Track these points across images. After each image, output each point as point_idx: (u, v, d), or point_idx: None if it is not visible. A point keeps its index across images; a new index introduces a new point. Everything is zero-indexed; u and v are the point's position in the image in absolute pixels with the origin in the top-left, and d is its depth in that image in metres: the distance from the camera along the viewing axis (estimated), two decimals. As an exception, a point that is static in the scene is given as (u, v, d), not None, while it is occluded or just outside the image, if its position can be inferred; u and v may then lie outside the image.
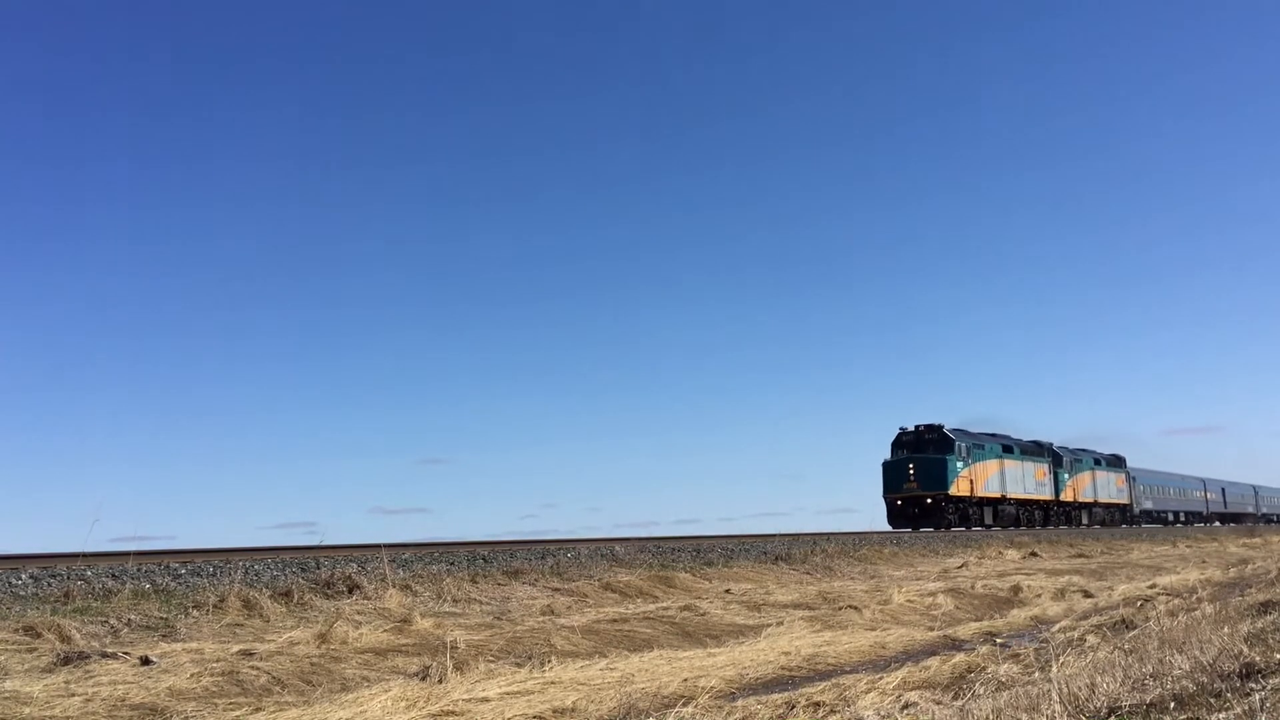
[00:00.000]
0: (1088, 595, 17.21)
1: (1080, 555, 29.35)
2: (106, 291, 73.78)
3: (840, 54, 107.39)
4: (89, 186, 74.73)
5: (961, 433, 40.20)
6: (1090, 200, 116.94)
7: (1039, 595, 17.00)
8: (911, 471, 38.79)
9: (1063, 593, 17.35)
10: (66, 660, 8.14)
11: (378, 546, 17.03)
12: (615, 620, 12.05)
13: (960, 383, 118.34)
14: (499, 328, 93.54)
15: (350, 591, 12.52)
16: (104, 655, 8.27)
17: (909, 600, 15.09)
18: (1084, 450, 52.77)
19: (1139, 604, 14.82)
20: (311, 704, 7.16)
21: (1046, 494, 46.02)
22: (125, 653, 8.38)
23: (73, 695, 7.09)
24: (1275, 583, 16.64)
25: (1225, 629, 8.51)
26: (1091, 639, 10.55)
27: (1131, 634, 10.30)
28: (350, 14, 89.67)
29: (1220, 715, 4.98)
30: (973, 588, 17.42)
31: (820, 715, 7.18)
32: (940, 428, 39.03)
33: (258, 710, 7.04)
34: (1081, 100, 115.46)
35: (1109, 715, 5.43)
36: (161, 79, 79.92)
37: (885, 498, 39.71)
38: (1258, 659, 6.24)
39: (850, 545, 24.14)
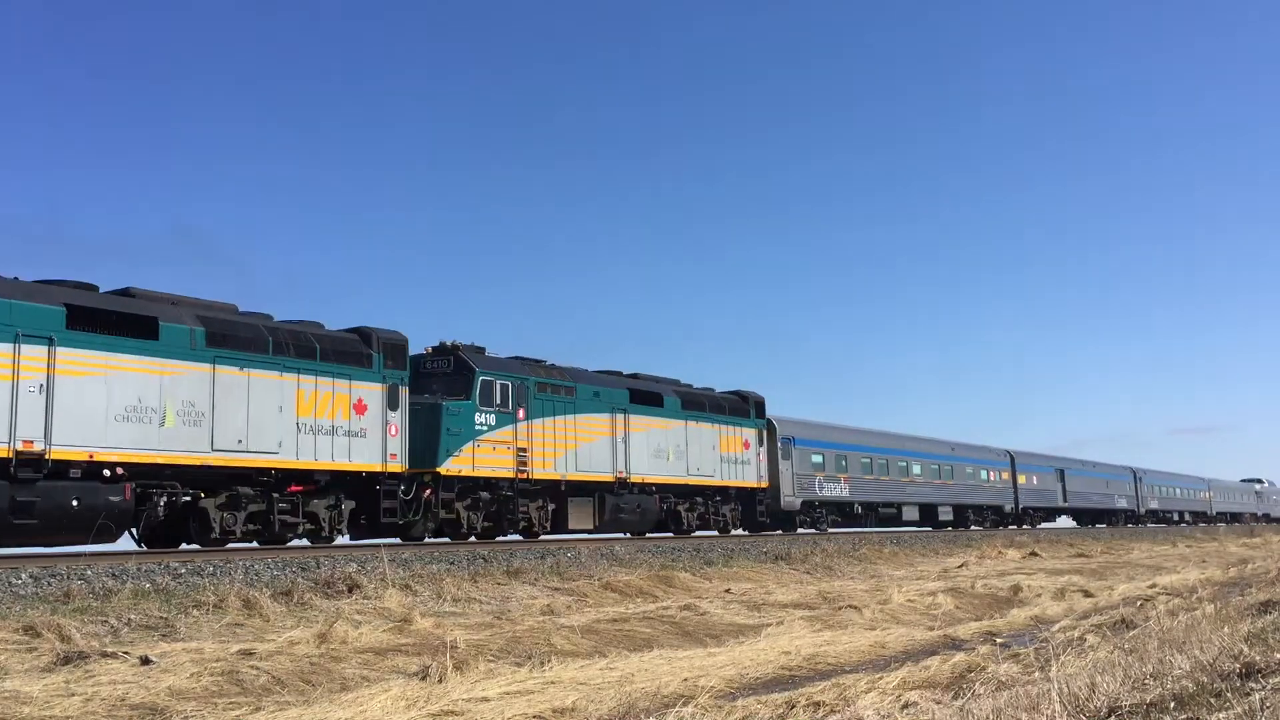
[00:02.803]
0: (1088, 595, 17.20)
1: (1080, 555, 29.34)
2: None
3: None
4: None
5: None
6: (1092, 201, 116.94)
7: (1039, 595, 16.99)
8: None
9: (1063, 592, 17.34)
10: (66, 660, 8.13)
11: (378, 546, 17.04)
12: (615, 620, 12.04)
13: (961, 384, 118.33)
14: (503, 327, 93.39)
15: (350, 591, 12.52)
16: (104, 655, 8.26)
17: (909, 600, 15.08)
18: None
19: (1139, 603, 14.80)
20: (311, 704, 7.16)
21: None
22: (125, 652, 8.37)
23: (73, 695, 7.09)
24: (1275, 582, 16.62)
25: (1225, 629, 8.50)
26: (1091, 639, 10.54)
27: (1131, 634, 10.29)
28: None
29: (1220, 715, 4.97)
30: (973, 587, 17.41)
31: (820, 715, 7.17)
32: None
33: (258, 710, 7.03)
34: (1085, 102, 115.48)
35: (1109, 715, 5.43)
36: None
37: None
38: (1258, 659, 6.23)
39: (850, 545, 24.15)
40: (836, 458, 33.99)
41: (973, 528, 40.46)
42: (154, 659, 8.16)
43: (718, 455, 27.73)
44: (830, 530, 31.92)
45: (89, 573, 11.63)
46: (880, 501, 36.23)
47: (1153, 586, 18.29)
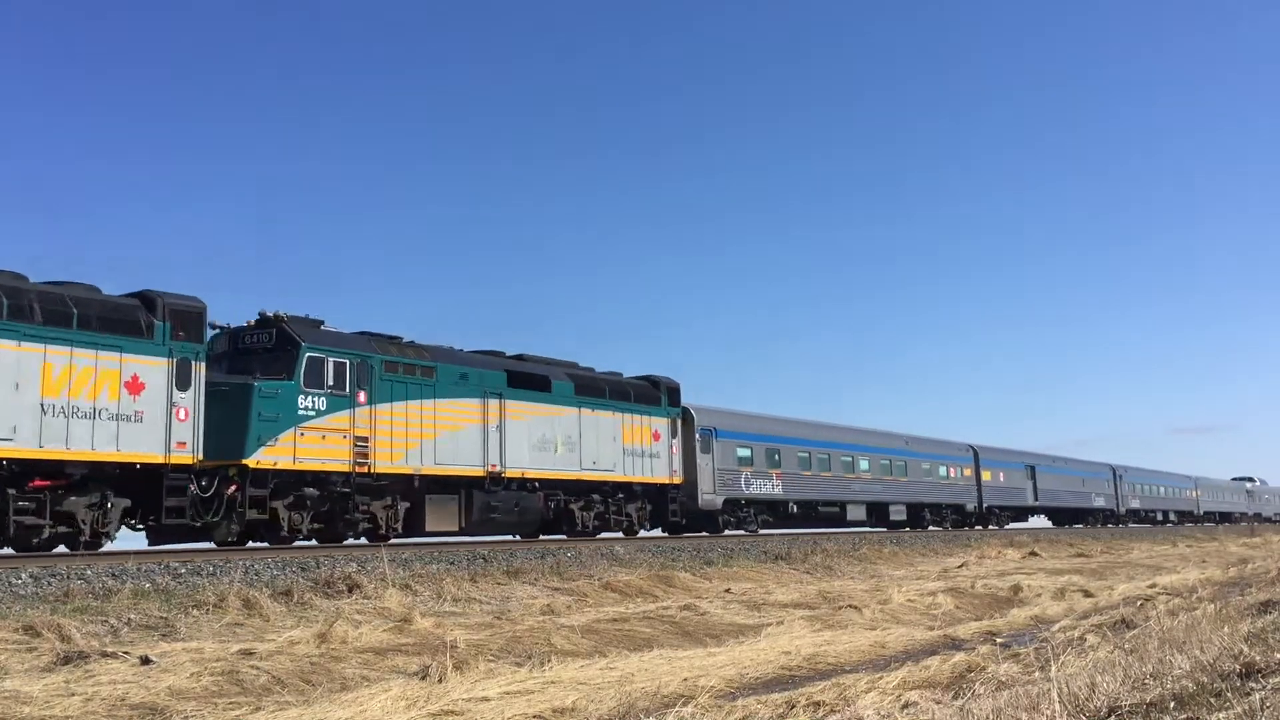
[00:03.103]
0: (1088, 595, 17.20)
1: (1080, 555, 29.36)
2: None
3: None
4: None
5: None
6: (1091, 200, 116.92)
7: (1039, 595, 16.99)
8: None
9: (1063, 592, 17.34)
10: (66, 660, 8.14)
11: (378, 546, 17.04)
12: (615, 620, 12.04)
13: (958, 386, 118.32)
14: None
15: (350, 591, 12.53)
16: (104, 655, 8.27)
17: (909, 600, 15.09)
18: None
19: (1139, 603, 14.80)
20: (311, 703, 7.16)
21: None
22: (125, 652, 8.38)
23: (73, 695, 7.09)
24: (1275, 582, 16.63)
25: (1225, 628, 8.50)
26: (1091, 638, 10.54)
27: (1131, 633, 10.29)
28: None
29: (1220, 715, 4.97)
30: (973, 587, 17.41)
31: (820, 715, 7.17)
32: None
33: (257, 710, 7.03)
34: (1084, 100, 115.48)
35: (1109, 715, 5.42)
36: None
37: None
38: (1258, 658, 6.23)
39: (850, 545, 24.16)
40: (768, 452, 30.54)
41: (930, 528, 37.53)
42: (154, 659, 8.16)
43: (620, 447, 24.40)
44: (761, 532, 29.34)
45: (89, 573, 11.63)
46: (820, 500, 32.77)
47: (1153, 586, 18.29)
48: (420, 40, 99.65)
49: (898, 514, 36.64)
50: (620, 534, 24.37)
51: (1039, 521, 49.03)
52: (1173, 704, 5.38)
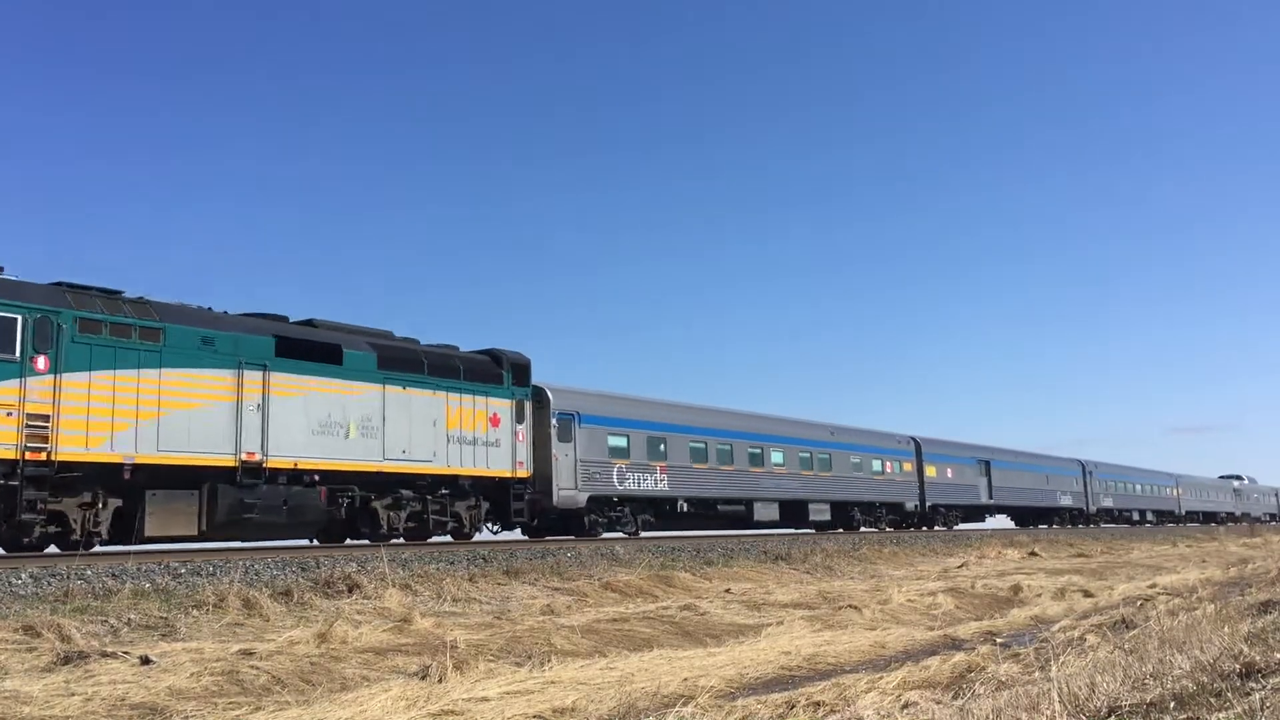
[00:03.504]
0: (1088, 595, 17.21)
1: (1080, 555, 29.35)
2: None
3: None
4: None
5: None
6: (1090, 199, 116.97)
7: (1039, 595, 17.00)
8: None
9: (1063, 592, 17.35)
10: (66, 660, 8.14)
11: (378, 546, 17.04)
12: (615, 620, 12.04)
13: (958, 385, 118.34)
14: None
15: (350, 591, 12.53)
16: (104, 655, 8.27)
17: (909, 600, 15.09)
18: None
19: (1139, 603, 14.81)
20: (311, 703, 7.16)
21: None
22: (125, 652, 8.38)
23: (72, 695, 7.09)
24: (1275, 582, 16.64)
25: (1225, 628, 8.50)
26: (1092, 638, 10.54)
27: (1132, 633, 10.29)
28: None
29: (1220, 715, 4.97)
30: (973, 587, 17.42)
31: (820, 715, 7.17)
32: None
33: (257, 710, 7.03)
34: (1083, 98, 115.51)
35: (1109, 715, 5.43)
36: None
37: None
38: (1258, 658, 6.24)
39: (850, 545, 24.16)
40: (650, 441, 26.35)
41: (863, 530, 33.92)
42: (154, 659, 8.16)
43: (443, 433, 20.37)
44: (644, 535, 25.54)
45: (89, 573, 11.63)
46: (720, 498, 28.81)
47: (1153, 586, 18.31)
48: (420, 40, 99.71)
49: (820, 514, 32.72)
50: (448, 538, 21.03)
51: (999, 522, 45.55)
52: (1173, 704, 5.38)
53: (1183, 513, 63.46)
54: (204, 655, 8.53)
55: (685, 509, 27.57)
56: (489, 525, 21.74)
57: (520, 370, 22.71)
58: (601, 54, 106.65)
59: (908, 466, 37.96)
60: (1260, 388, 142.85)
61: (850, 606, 13.92)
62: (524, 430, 22.40)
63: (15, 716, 6.60)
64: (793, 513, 31.70)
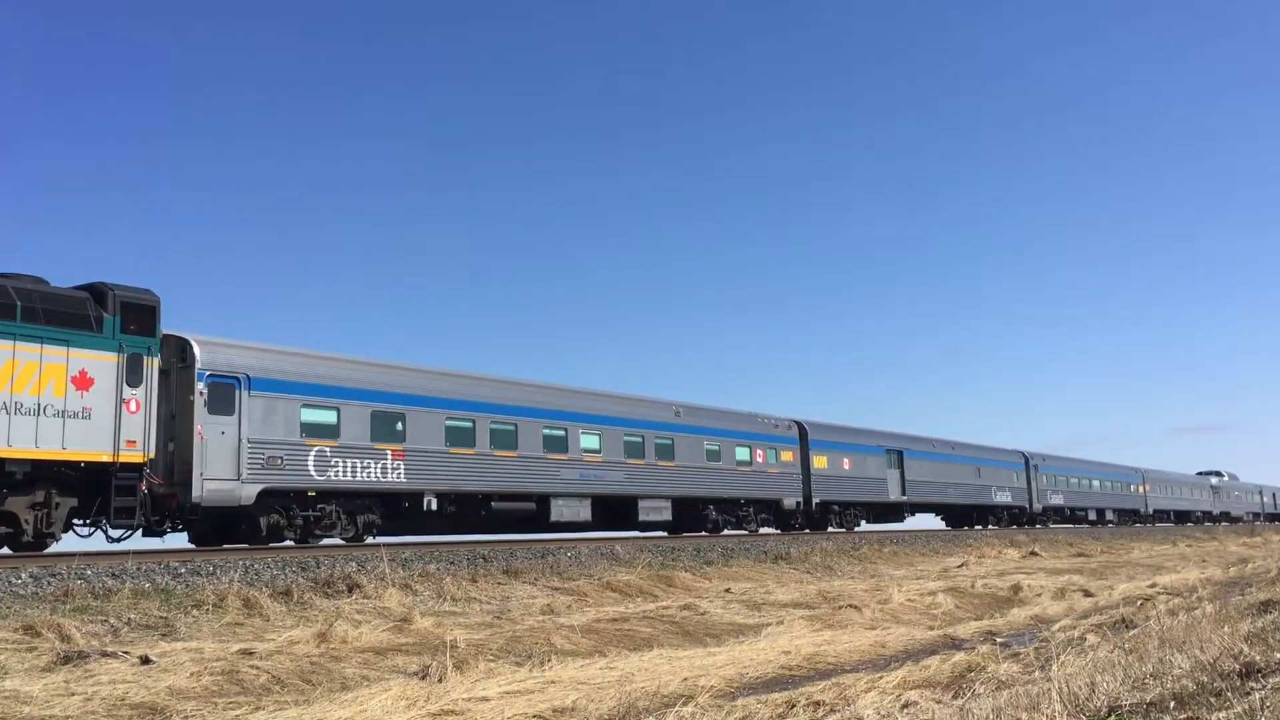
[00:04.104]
0: (1088, 594, 17.22)
1: (1080, 555, 29.36)
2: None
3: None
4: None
5: None
6: (1090, 198, 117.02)
7: (1039, 594, 17.00)
8: None
9: (1063, 592, 17.36)
10: (66, 659, 8.14)
11: (378, 546, 17.02)
12: (615, 619, 12.04)
13: (958, 385, 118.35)
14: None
15: (350, 591, 12.53)
16: (104, 654, 8.27)
17: (909, 599, 15.09)
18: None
19: (1139, 603, 14.82)
20: (311, 703, 7.16)
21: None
22: (125, 652, 8.38)
23: (72, 694, 7.09)
24: (1275, 582, 16.64)
25: (1225, 628, 8.50)
26: (1092, 638, 10.54)
27: (1132, 633, 10.29)
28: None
29: (1220, 714, 4.97)
30: (973, 587, 17.42)
31: (820, 714, 7.17)
32: None
33: (257, 709, 7.03)
34: (1084, 101, 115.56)
35: (1109, 714, 5.43)
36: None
37: None
38: (1258, 658, 6.24)
39: (850, 545, 24.14)
40: (375, 417, 19.91)
41: (725, 532, 28.30)
42: (154, 658, 8.16)
43: None
44: (373, 541, 19.51)
45: (89, 572, 11.63)
46: (495, 492, 22.13)
47: (1153, 586, 18.32)
48: (420, 41, 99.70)
49: (655, 512, 26.26)
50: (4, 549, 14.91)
51: (920, 522, 39.30)
52: (1173, 703, 5.38)
53: (1149, 512, 56.94)
54: (204, 655, 8.54)
55: (434, 506, 20.88)
56: (80, 526, 15.61)
57: (138, 312, 16.20)
58: (601, 60, 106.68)
59: (787, 456, 31.44)
60: (1262, 388, 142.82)
61: (850, 606, 13.92)
62: (141, 396, 16.03)
63: (15, 716, 6.60)
64: (615, 510, 25.68)
